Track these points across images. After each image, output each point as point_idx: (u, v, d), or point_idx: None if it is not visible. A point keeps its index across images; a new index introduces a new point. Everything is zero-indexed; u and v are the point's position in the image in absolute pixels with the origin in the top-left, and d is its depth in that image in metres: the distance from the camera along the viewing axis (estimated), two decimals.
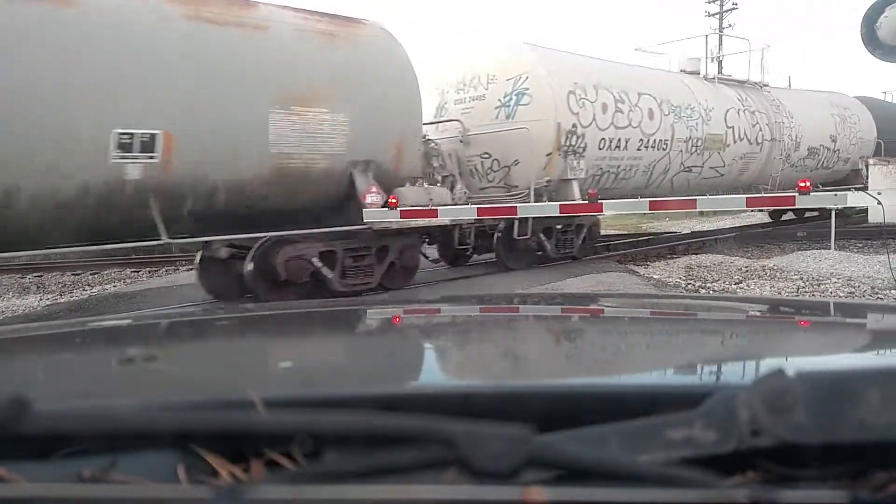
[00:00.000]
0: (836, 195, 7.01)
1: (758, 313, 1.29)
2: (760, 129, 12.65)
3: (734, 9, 26.50)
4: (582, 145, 9.51)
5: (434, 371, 0.80)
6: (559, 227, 9.73)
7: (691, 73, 12.23)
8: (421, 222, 7.89)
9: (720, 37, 25.95)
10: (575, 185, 9.44)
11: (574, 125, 9.37)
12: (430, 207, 7.77)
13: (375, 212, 7.38)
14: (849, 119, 15.49)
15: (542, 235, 9.39)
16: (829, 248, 9.35)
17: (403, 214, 7.48)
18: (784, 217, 16.71)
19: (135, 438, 0.47)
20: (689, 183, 11.49)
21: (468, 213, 8.01)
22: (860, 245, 10.91)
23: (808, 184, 6.43)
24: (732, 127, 12.03)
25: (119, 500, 0.42)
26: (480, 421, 0.44)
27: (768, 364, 0.77)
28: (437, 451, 0.43)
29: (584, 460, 0.43)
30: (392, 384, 0.70)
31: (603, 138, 9.80)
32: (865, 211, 12.12)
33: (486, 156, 9.56)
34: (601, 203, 7.91)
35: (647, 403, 0.49)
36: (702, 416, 0.44)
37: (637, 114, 10.26)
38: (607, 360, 0.86)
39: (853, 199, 6.72)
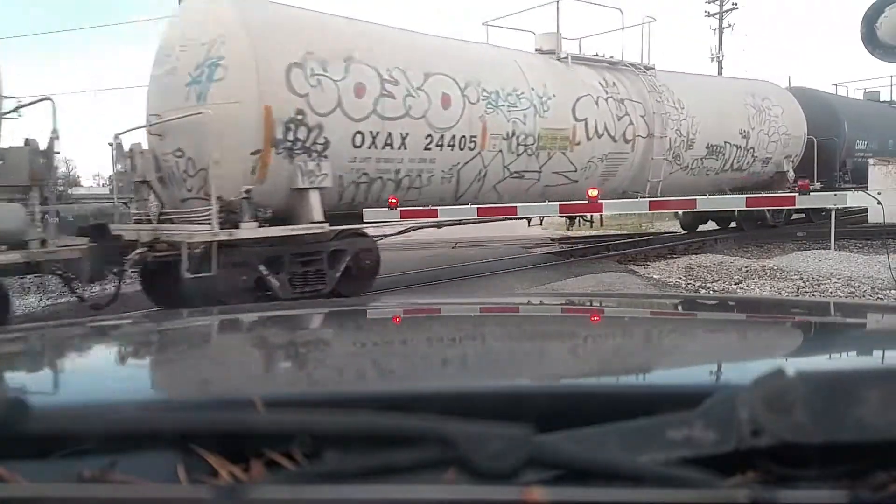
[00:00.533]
0: (836, 195, 7.04)
1: (758, 313, 1.29)
2: (631, 123, 9.94)
3: (734, 9, 26.54)
4: (321, 141, 6.77)
5: (434, 371, 0.80)
6: (300, 254, 6.71)
7: (548, 52, 9.60)
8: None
9: (720, 34, 25.99)
10: (313, 198, 6.67)
11: (301, 111, 6.59)
12: (429, 208, 7.75)
13: (375, 212, 7.37)
14: (769, 111, 12.70)
15: (263, 269, 6.41)
16: (829, 248, 9.35)
17: (403, 214, 7.48)
18: (700, 227, 14.25)
19: (135, 438, 0.47)
20: (526, 191, 8.91)
21: (468, 213, 7.98)
22: (860, 245, 10.92)
23: (807, 182, 6.46)
24: (585, 119, 9.24)
25: (119, 500, 0.42)
26: (480, 421, 0.44)
27: (768, 364, 0.77)
28: (437, 451, 0.43)
29: (584, 460, 0.43)
30: (392, 384, 0.70)
31: (359, 132, 7.01)
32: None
33: (180, 153, 6.76)
34: (601, 203, 7.94)
35: (647, 403, 0.49)
36: (702, 416, 0.44)
37: (421, 100, 7.49)
38: (607, 360, 0.86)
39: (853, 199, 6.74)
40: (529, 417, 0.45)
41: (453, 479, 0.42)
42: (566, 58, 9.61)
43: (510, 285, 8.19)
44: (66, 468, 0.45)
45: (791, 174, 13.03)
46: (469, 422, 0.44)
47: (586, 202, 7.89)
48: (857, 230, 11.86)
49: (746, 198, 8.68)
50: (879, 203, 6.15)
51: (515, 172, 8.66)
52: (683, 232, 14.35)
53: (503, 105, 8.37)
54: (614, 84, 10.00)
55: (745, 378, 0.46)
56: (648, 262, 10.11)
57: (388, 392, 0.61)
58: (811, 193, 6.64)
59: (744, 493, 0.40)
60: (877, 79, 17.86)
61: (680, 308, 1.47)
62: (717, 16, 26.55)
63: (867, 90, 18.00)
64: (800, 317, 1.20)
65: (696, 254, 10.68)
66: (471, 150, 8.10)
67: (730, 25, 26.53)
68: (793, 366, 0.56)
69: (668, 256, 10.73)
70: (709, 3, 26.88)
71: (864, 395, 0.43)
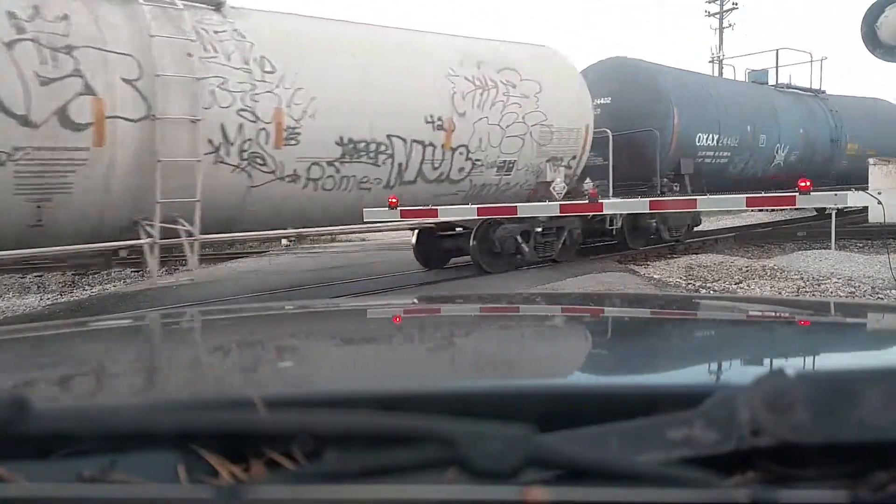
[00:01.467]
0: (836, 195, 7.03)
1: (758, 313, 1.29)
2: (90, 91, 5.64)
3: (734, 9, 26.57)
4: None
5: (434, 371, 0.80)
6: None
7: None
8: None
9: (720, 34, 25.94)
10: None
11: None
12: (430, 207, 7.75)
13: (375, 211, 7.37)
14: (508, 89, 8.25)
15: None
16: (830, 248, 9.36)
17: (403, 214, 7.47)
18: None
19: (135, 438, 0.47)
20: None
21: (468, 212, 7.99)
22: (860, 245, 10.92)
23: (808, 183, 6.45)
24: None
25: (119, 500, 0.42)
26: (480, 421, 0.44)
27: (768, 364, 0.77)
28: (437, 451, 0.43)
29: (584, 460, 0.43)
30: (392, 384, 0.70)
31: None
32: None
33: None
34: (601, 203, 7.95)
35: (647, 403, 0.49)
36: (702, 416, 0.44)
37: None
38: (607, 360, 0.86)
39: (854, 199, 6.73)
40: (529, 417, 0.45)
41: (453, 479, 0.42)
42: None
43: (510, 285, 8.19)
44: (66, 468, 0.45)
45: (560, 184, 8.97)
46: (469, 422, 0.44)
47: (586, 202, 7.90)
48: (858, 230, 11.84)
49: (747, 198, 8.66)
50: (879, 203, 6.15)
51: None
52: (424, 269, 9.26)
53: None
54: (64, 18, 5.49)
55: (745, 378, 0.46)
56: (648, 262, 10.11)
57: (389, 392, 0.61)
58: (812, 194, 6.63)
59: (744, 493, 0.40)
60: (762, 52, 13.80)
61: (680, 308, 1.47)
62: (717, 16, 26.58)
63: (751, 70, 13.96)
64: (800, 317, 1.20)
65: (696, 254, 10.67)
66: None
67: (730, 25, 26.60)
68: (793, 366, 0.56)
69: (668, 256, 10.73)
70: (709, 2, 26.91)
71: (864, 395, 0.43)
